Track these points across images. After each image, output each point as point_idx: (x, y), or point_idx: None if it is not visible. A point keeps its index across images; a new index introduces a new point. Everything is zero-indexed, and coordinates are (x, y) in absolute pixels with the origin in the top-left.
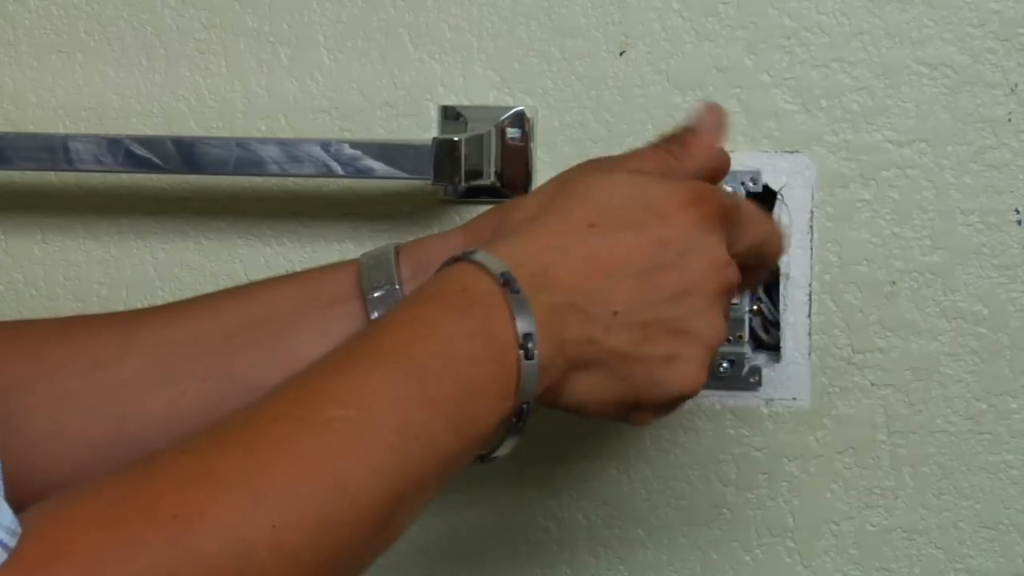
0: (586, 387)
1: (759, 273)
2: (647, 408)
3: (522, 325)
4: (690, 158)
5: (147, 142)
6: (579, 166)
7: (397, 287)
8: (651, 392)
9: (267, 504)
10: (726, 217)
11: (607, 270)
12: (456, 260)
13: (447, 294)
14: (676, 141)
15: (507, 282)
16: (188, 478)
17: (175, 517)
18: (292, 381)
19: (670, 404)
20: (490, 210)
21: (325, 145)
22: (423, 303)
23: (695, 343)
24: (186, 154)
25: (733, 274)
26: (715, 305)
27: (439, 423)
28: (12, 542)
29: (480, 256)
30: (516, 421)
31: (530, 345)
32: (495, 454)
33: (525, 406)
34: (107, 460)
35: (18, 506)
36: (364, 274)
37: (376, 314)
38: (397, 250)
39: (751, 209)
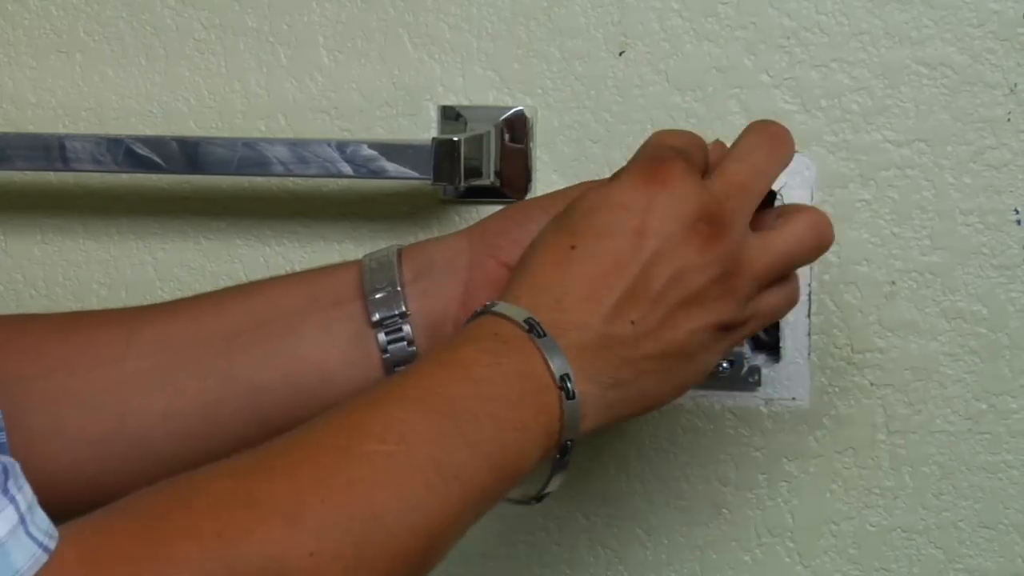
0: (641, 396)
1: (772, 164)
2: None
3: (556, 366)
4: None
5: (149, 142)
6: None
7: (399, 289)
8: (705, 364)
9: (305, 531)
10: (689, 170)
11: (608, 284)
12: (479, 314)
13: (479, 339)
14: None
15: (531, 327)
16: (229, 500)
17: (218, 535)
18: (333, 413)
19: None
20: (494, 215)
21: (325, 145)
22: (457, 347)
23: (712, 311)
24: (189, 154)
25: (714, 219)
26: (715, 264)
27: (478, 463)
28: (52, 544)
29: (501, 307)
30: (560, 456)
31: (569, 385)
32: (546, 490)
33: (569, 443)
34: (106, 457)
35: None
36: (366, 275)
37: (377, 315)
38: (399, 252)
39: (700, 141)
